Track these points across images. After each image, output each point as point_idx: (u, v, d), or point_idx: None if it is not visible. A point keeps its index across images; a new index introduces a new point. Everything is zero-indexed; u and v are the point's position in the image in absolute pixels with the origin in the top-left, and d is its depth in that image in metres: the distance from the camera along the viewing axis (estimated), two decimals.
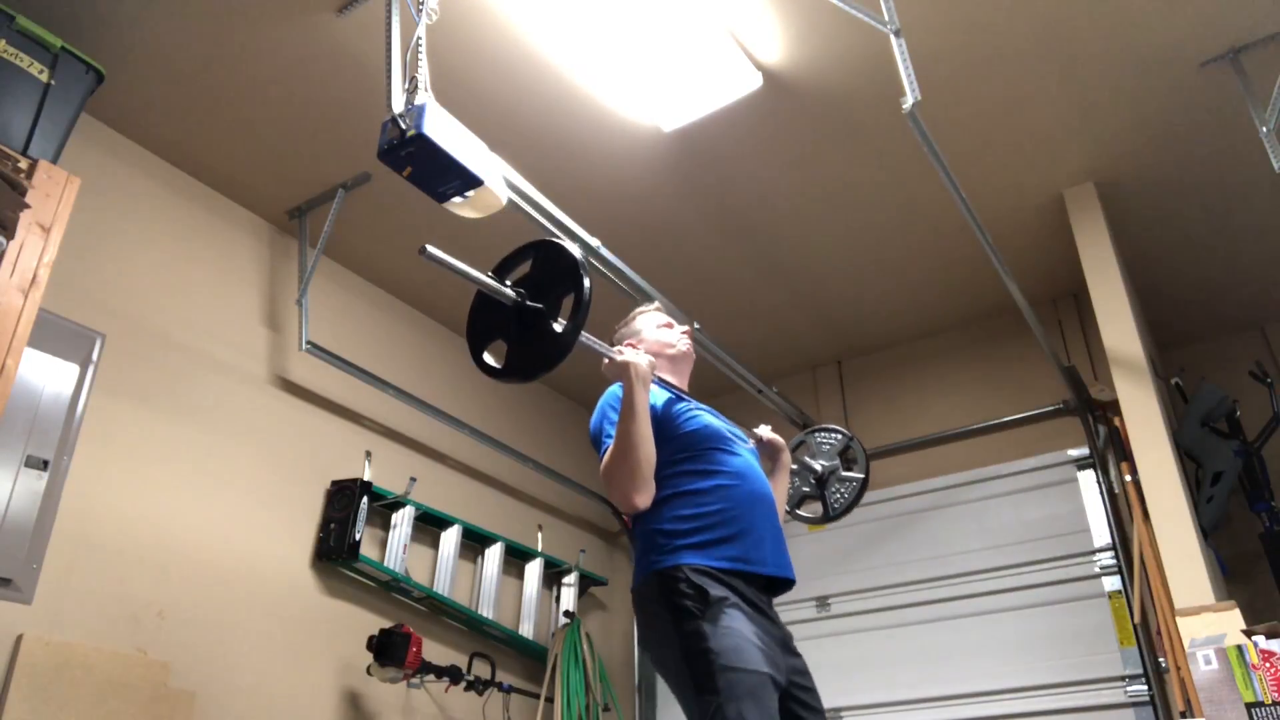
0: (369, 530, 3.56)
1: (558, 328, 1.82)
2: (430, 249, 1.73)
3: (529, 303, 1.88)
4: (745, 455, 2.12)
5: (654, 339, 2.32)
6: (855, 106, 3.13)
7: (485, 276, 1.85)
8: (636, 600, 1.96)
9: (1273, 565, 3.62)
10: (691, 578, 1.83)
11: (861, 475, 2.93)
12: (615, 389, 2.05)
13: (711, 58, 2.90)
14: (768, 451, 2.41)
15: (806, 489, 3.00)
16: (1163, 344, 4.39)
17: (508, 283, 1.90)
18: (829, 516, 2.92)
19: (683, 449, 2.04)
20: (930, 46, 2.85)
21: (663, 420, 2.06)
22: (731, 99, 3.06)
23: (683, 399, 2.17)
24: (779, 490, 2.34)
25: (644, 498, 1.91)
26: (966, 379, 4.34)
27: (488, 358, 1.92)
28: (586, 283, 1.83)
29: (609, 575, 4.81)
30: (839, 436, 3.03)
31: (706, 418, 2.12)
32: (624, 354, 1.99)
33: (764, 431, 2.44)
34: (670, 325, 2.37)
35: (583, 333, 1.83)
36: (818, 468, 2.96)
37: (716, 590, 1.82)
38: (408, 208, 3.47)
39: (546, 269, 1.92)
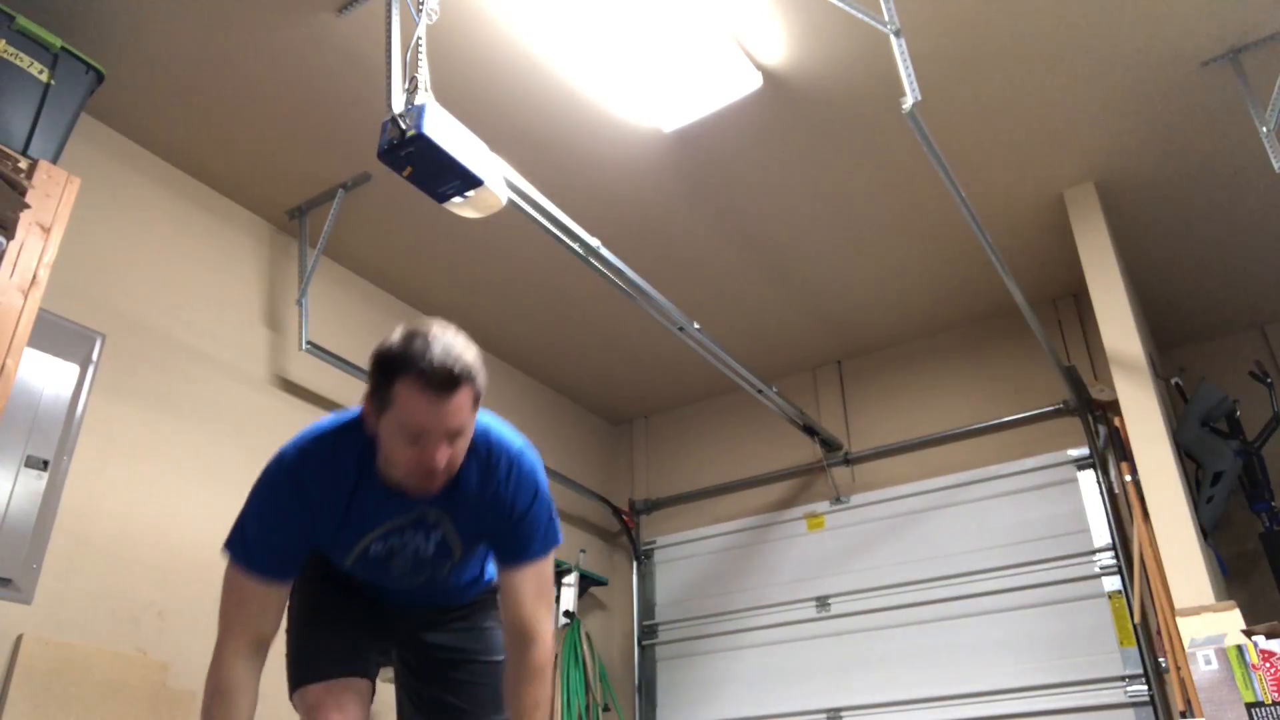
0: None
1: None
2: None
3: None
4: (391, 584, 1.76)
5: (388, 445, 1.50)
6: (855, 106, 3.13)
7: None
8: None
9: (1273, 565, 3.62)
10: None
11: None
12: (278, 481, 1.59)
13: (711, 58, 2.90)
14: None
15: None
16: (1163, 344, 4.39)
17: None
18: None
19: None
20: (930, 46, 2.85)
21: (319, 538, 1.61)
22: (731, 99, 3.06)
23: (371, 520, 1.60)
24: None
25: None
26: (966, 379, 4.34)
27: None
28: None
29: (609, 575, 4.80)
30: None
31: (350, 567, 1.69)
32: None
33: None
34: (419, 439, 1.45)
35: None
36: None
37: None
38: (408, 208, 3.47)
39: None
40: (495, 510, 1.63)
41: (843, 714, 4.03)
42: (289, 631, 1.84)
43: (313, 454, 1.58)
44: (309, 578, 1.87)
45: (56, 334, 2.81)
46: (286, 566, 1.58)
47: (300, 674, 1.74)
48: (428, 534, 1.64)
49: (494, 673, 1.84)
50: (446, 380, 1.41)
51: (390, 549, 1.63)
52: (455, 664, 1.86)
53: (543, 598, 1.68)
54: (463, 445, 1.49)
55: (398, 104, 2.13)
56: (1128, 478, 3.35)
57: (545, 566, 1.70)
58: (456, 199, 2.28)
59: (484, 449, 1.61)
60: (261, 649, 1.56)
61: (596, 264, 3.00)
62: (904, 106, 2.39)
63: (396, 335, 1.47)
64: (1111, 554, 3.66)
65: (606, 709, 4.32)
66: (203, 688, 1.52)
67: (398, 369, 1.42)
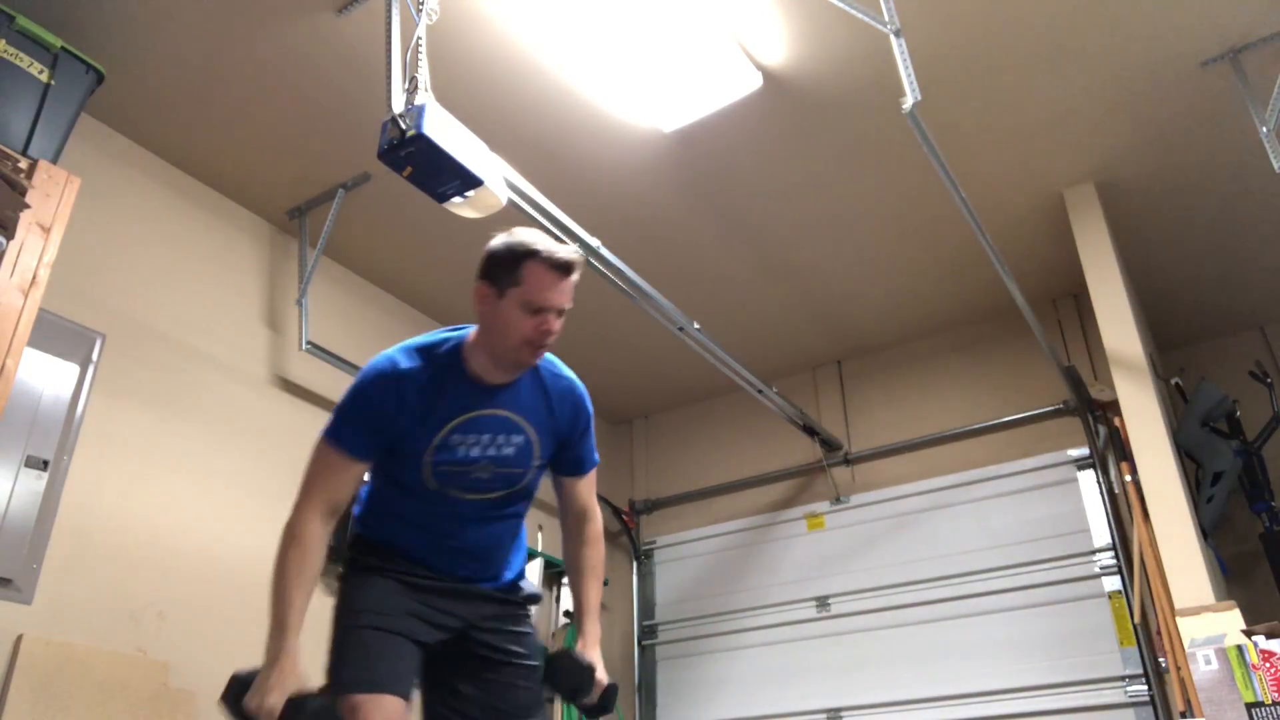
0: None
1: None
2: None
3: None
4: (461, 517, 1.87)
5: (507, 318, 1.75)
6: (855, 106, 3.13)
7: None
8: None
9: (1273, 565, 3.62)
10: (365, 544, 1.89)
11: None
12: (379, 378, 1.78)
13: (711, 58, 2.90)
14: None
15: None
16: (1163, 344, 4.39)
17: None
18: None
19: (394, 485, 1.85)
20: (930, 46, 2.85)
21: (406, 426, 1.76)
22: (731, 99, 3.06)
23: (455, 408, 1.78)
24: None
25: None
26: (967, 379, 4.34)
27: None
28: None
29: (609, 575, 4.81)
30: None
31: (427, 476, 1.80)
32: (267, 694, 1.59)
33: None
34: (544, 309, 1.74)
35: None
36: None
37: (375, 559, 1.87)
38: (408, 208, 3.47)
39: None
40: (568, 421, 1.93)
41: (843, 714, 4.03)
42: (340, 627, 1.80)
43: (412, 351, 1.82)
44: (366, 574, 1.86)
45: (56, 334, 2.81)
46: (369, 448, 1.79)
47: (348, 677, 1.72)
48: (509, 434, 1.84)
49: (531, 677, 1.95)
50: (567, 263, 1.75)
51: (468, 446, 1.80)
52: (496, 665, 1.91)
53: (593, 493, 2.07)
54: (561, 325, 1.79)
55: (398, 104, 2.13)
56: (1128, 478, 3.35)
57: (593, 474, 2.06)
58: (456, 199, 2.28)
59: (553, 369, 1.93)
60: (334, 514, 1.78)
61: (596, 264, 3.00)
62: (904, 106, 2.40)
63: (507, 236, 1.79)
64: (1111, 554, 3.67)
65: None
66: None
67: (527, 254, 1.74)
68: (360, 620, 1.79)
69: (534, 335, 1.74)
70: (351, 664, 1.74)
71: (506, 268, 1.75)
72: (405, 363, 1.79)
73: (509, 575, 1.99)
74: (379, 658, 1.75)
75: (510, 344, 1.76)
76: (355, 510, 1.98)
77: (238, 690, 1.63)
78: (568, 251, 1.77)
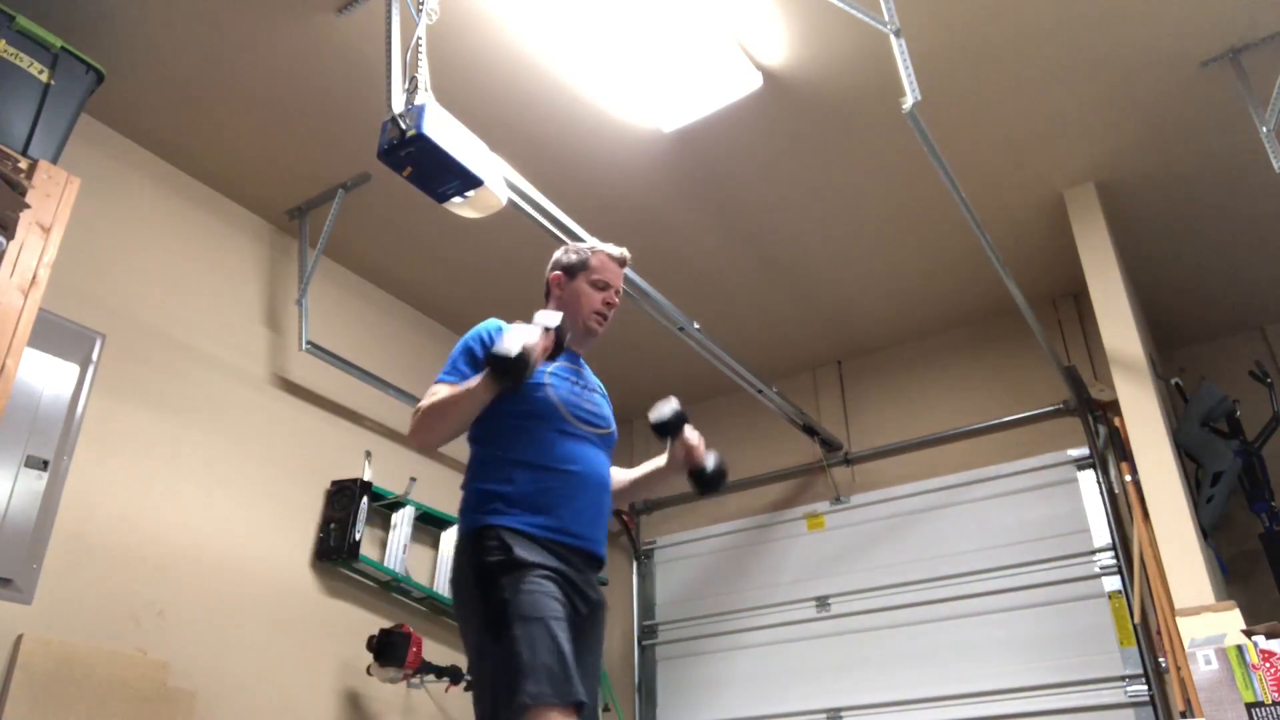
0: (369, 530, 3.56)
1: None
2: None
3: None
4: (577, 437, 2.12)
5: (579, 295, 2.25)
6: (855, 107, 3.13)
7: None
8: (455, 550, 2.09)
9: (1273, 565, 3.62)
10: (503, 538, 1.93)
11: None
12: (485, 328, 2.12)
13: (712, 58, 2.90)
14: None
15: None
16: (1163, 344, 4.39)
17: None
18: None
19: (516, 417, 2.06)
20: (930, 46, 2.85)
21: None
22: (731, 99, 3.06)
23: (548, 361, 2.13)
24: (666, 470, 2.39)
25: (434, 449, 2.13)
26: (966, 379, 4.34)
27: None
28: None
29: (609, 575, 4.81)
30: None
31: (551, 394, 2.11)
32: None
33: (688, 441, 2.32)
34: (608, 285, 2.26)
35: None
36: None
37: (522, 552, 1.92)
38: (408, 208, 3.47)
39: None
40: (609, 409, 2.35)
41: (843, 714, 4.03)
42: (510, 636, 1.78)
43: (501, 321, 2.17)
44: (515, 574, 1.87)
45: (56, 334, 2.81)
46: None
47: (549, 685, 1.72)
48: (593, 390, 2.28)
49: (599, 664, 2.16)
50: (622, 256, 2.32)
51: (571, 384, 2.18)
52: (596, 651, 2.20)
53: None
54: (617, 304, 2.29)
55: (398, 104, 2.13)
56: (1128, 478, 3.35)
57: None
58: (456, 199, 2.28)
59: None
60: None
61: None
62: (904, 106, 2.40)
63: (573, 244, 2.33)
64: (1111, 554, 3.66)
65: (606, 709, 4.32)
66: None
67: (591, 249, 2.29)
68: (537, 629, 1.80)
69: (601, 306, 2.25)
70: (556, 664, 1.75)
71: (577, 260, 2.26)
72: (496, 327, 2.14)
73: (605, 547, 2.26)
74: (567, 673, 1.77)
75: (583, 314, 2.23)
76: (468, 506, 2.03)
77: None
78: (621, 249, 2.32)
